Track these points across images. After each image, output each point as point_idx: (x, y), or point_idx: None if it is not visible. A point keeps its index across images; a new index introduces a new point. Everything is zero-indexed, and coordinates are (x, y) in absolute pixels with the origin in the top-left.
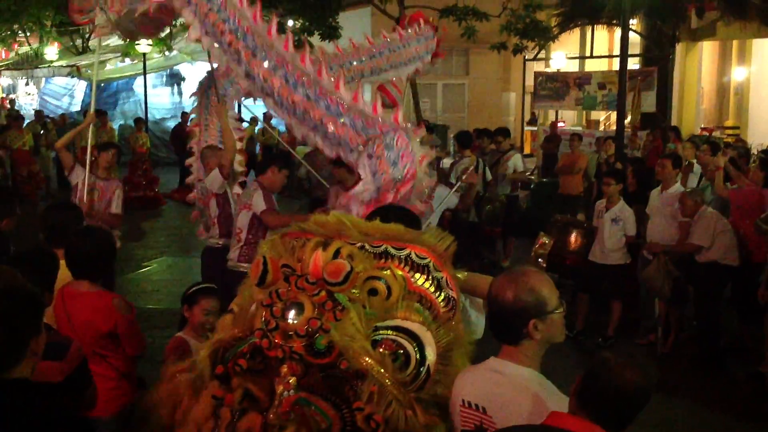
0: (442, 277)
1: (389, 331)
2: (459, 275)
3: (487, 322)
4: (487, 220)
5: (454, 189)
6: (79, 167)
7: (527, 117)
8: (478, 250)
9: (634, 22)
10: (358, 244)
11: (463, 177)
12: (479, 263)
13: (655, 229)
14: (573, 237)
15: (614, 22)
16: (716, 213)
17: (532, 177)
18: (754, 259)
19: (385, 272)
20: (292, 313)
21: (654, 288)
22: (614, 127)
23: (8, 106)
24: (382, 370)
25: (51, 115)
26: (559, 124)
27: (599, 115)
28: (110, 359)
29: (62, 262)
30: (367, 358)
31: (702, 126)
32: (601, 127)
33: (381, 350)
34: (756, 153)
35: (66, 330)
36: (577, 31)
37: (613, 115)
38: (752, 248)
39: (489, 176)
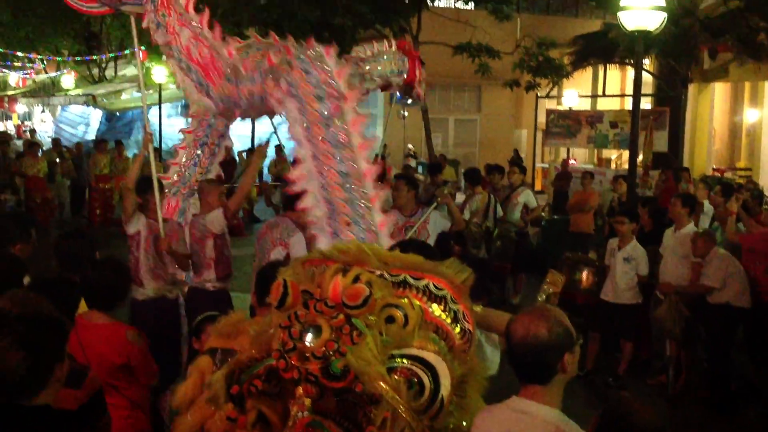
0: (458, 310)
1: (404, 360)
2: (476, 309)
3: (503, 359)
4: (497, 256)
5: (431, 208)
6: (140, 213)
7: (539, 154)
8: (488, 286)
9: (647, 62)
10: (378, 272)
11: (438, 199)
12: (488, 299)
13: (667, 268)
14: (584, 275)
15: (627, 61)
16: (728, 254)
17: (543, 214)
18: (766, 301)
19: (402, 301)
20: (309, 336)
21: (665, 328)
22: (626, 166)
23: (27, 135)
24: (397, 396)
25: (66, 144)
26: (571, 162)
27: (611, 154)
28: (123, 390)
29: None
30: (382, 383)
31: (714, 167)
32: (613, 166)
33: (396, 377)
34: None
35: (80, 360)
36: (589, 70)
37: (625, 154)
38: (763, 291)
39: (500, 212)
